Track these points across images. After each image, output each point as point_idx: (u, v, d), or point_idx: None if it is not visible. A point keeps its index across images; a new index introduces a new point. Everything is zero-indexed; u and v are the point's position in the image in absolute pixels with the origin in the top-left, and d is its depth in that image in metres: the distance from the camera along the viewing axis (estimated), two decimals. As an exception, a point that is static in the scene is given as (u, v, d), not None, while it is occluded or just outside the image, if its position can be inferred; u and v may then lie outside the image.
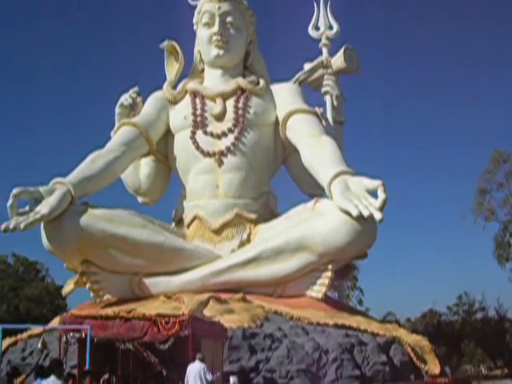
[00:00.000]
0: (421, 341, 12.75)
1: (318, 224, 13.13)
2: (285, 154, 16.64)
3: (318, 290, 13.28)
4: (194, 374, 8.73)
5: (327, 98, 17.06)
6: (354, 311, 14.29)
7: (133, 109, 17.18)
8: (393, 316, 40.46)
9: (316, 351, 11.12)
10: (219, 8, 16.45)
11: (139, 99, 17.26)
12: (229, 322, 11.41)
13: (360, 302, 36.43)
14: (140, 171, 17.12)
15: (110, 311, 9.31)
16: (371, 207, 12.28)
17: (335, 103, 16.91)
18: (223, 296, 12.96)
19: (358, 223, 12.68)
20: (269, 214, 15.60)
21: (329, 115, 16.89)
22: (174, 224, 16.38)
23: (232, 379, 9.42)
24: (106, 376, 9.14)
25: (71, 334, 8.55)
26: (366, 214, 12.15)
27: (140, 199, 17.52)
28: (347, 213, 12.51)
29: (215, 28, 16.41)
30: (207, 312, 11.92)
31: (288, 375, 10.94)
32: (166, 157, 16.95)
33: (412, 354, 12.11)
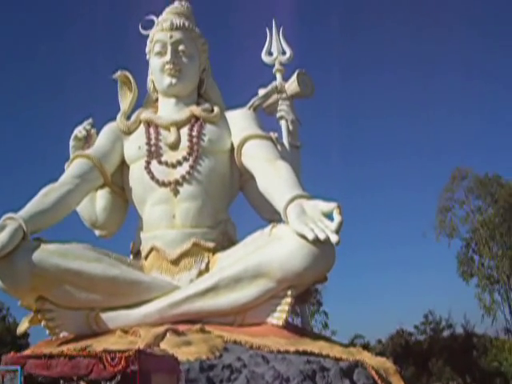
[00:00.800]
0: (385, 363, 12.57)
1: (275, 249, 12.98)
2: (242, 181, 16.51)
3: (279, 316, 13.06)
4: None
5: (282, 123, 17.07)
6: (316, 336, 14.10)
7: (87, 141, 16.89)
8: (361, 338, 40.59)
9: (276, 380, 10.84)
10: (171, 37, 16.38)
11: (93, 131, 16.99)
12: (186, 354, 11.11)
13: (325, 326, 36.45)
14: (96, 204, 16.77)
15: (55, 350, 9.00)
16: (327, 230, 12.20)
17: (290, 127, 16.93)
18: (181, 328, 12.67)
19: (315, 247, 12.56)
20: (227, 241, 15.38)
21: (285, 140, 16.88)
22: (131, 256, 16.06)
23: None
24: None
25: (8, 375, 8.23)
26: (321, 237, 12.08)
27: (97, 232, 17.15)
28: (304, 237, 12.41)
29: (167, 57, 16.32)
30: (164, 345, 11.61)
31: (249, 407, 10.72)
32: (123, 188, 16.65)
33: (376, 377, 11.92)
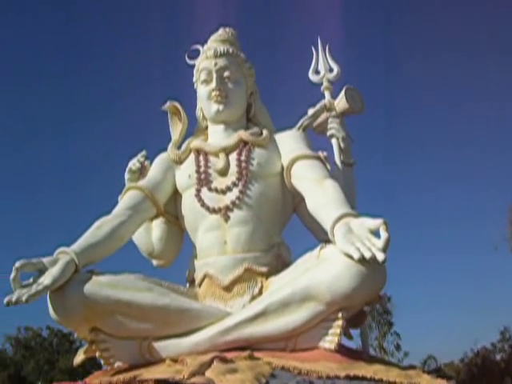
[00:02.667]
0: (443, 386, 11.86)
1: (323, 271, 12.56)
2: (295, 203, 16.18)
3: (331, 340, 12.56)
4: None
5: (333, 141, 16.66)
6: (373, 360, 13.45)
7: (141, 173, 17.08)
8: (433, 360, 38.70)
9: (322, 407, 10.45)
10: (215, 64, 16.45)
11: (147, 163, 17.21)
12: (231, 382, 10.89)
13: (398, 347, 35.11)
14: (152, 234, 16.94)
15: (106, 379, 8.96)
16: (373, 248, 11.71)
17: (342, 145, 16.49)
18: (229, 355, 12.42)
19: (363, 266, 12.05)
20: (281, 265, 15.03)
21: (337, 158, 16.47)
22: (188, 285, 16.06)
23: None
24: None
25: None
26: (367, 255, 11.58)
27: (154, 262, 17.28)
28: (350, 256, 11.96)
29: (213, 84, 16.36)
30: (210, 373, 11.41)
31: None
32: (177, 217, 16.70)
33: (432, 402, 11.25)
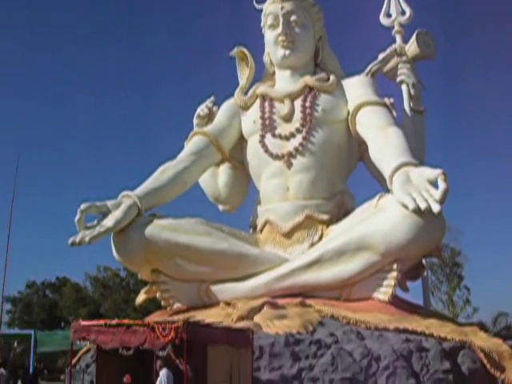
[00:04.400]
0: (500, 345, 11.37)
1: (379, 221, 12.32)
2: (361, 151, 15.83)
3: (385, 291, 12.39)
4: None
5: (403, 87, 16.03)
6: (430, 314, 13.16)
7: (210, 118, 17.23)
8: (505, 316, 36.83)
9: (365, 358, 10.29)
10: (282, 8, 16.08)
11: (215, 108, 17.29)
12: (278, 327, 11.02)
13: (467, 302, 33.96)
14: (218, 179, 17.14)
15: (114, 321, 9.31)
16: (430, 199, 11.30)
17: (412, 92, 15.82)
18: (281, 301, 12.54)
19: (419, 218, 11.71)
20: (344, 213, 14.82)
21: (406, 105, 15.88)
22: (251, 230, 16.21)
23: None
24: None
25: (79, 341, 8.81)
26: (422, 206, 11.24)
27: (221, 207, 17.54)
28: (407, 207, 11.62)
29: (279, 29, 16.06)
30: (258, 318, 11.59)
31: (332, 384, 10.28)
32: (243, 163, 16.78)
33: (485, 361, 10.86)
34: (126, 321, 8.65)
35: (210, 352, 8.36)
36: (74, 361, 11.91)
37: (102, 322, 8.75)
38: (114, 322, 8.61)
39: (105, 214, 13.75)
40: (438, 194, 11.35)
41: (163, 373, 8.90)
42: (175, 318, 12.27)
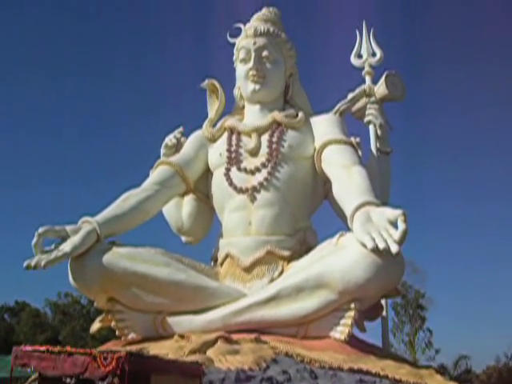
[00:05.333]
0: (455, 391, 11.37)
1: (337, 259, 12.27)
2: (325, 189, 15.85)
3: (342, 330, 12.28)
4: None
5: (371, 128, 16.20)
6: (386, 355, 13.06)
7: (177, 149, 17.17)
8: (466, 359, 37.05)
9: (318, 398, 10.19)
10: (254, 43, 16.22)
11: (184, 139, 17.26)
12: (230, 363, 10.81)
13: (429, 344, 34.03)
14: (182, 210, 17.01)
15: (56, 348, 9.05)
16: (390, 239, 11.32)
17: (379, 133, 16.01)
18: (236, 336, 12.33)
19: (378, 257, 11.70)
20: (306, 250, 14.74)
21: (373, 145, 16.03)
22: (212, 263, 16.06)
23: None
24: None
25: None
26: (381, 246, 11.22)
27: (183, 239, 17.36)
28: (366, 246, 11.62)
29: (251, 63, 16.19)
30: (211, 352, 11.38)
31: (283, 425, 10.05)
32: (208, 196, 16.70)
33: (439, 405, 10.81)
34: (68, 348, 8.39)
35: (154, 381, 8.18)
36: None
37: (43, 348, 8.49)
38: (56, 349, 8.35)
39: (63, 238, 13.50)
40: (397, 234, 11.37)
41: None
42: (119, 348, 12.03)
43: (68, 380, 8.07)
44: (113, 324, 13.81)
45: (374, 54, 16.88)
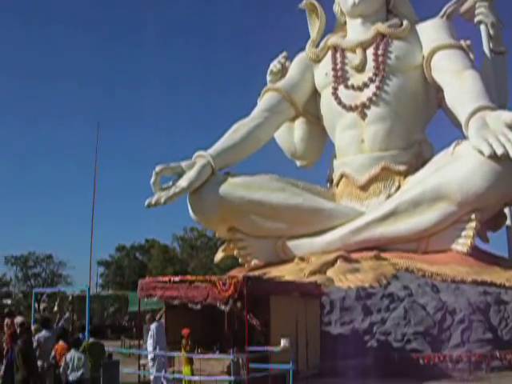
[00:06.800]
0: None
1: (454, 169, 11.88)
2: (438, 97, 15.19)
3: (464, 242, 12.02)
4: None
5: (482, 28, 15.17)
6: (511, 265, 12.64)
7: (283, 74, 17.06)
8: None
9: (439, 311, 10.04)
10: None
11: (288, 63, 17.12)
12: (351, 281, 11.00)
13: None
14: (294, 135, 17.04)
15: (178, 277, 9.49)
16: (508, 144, 10.75)
17: (491, 32, 14.95)
18: (355, 255, 12.44)
19: (497, 164, 11.20)
20: (422, 164, 14.37)
21: (485, 46, 15.06)
22: (328, 185, 16.08)
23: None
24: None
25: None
26: (499, 152, 10.70)
27: (298, 163, 17.50)
28: (483, 153, 11.12)
29: (347, -24, 15.48)
30: (331, 272, 11.58)
31: (404, 338, 10.06)
32: (318, 117, 16.56)
33: None
34: (188, 277, 8.93)
35: (273, 306, 8.51)
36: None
37: (166, 278, 9.04)
38: (178, 278, 8.88)
39: (179, 174, 14.03)
40: None
41: (153, 326, 9.17)
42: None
43: (194, 306, 8.55)
44: (235, 252, 14.34)
45: (485, -52, 15.49)
